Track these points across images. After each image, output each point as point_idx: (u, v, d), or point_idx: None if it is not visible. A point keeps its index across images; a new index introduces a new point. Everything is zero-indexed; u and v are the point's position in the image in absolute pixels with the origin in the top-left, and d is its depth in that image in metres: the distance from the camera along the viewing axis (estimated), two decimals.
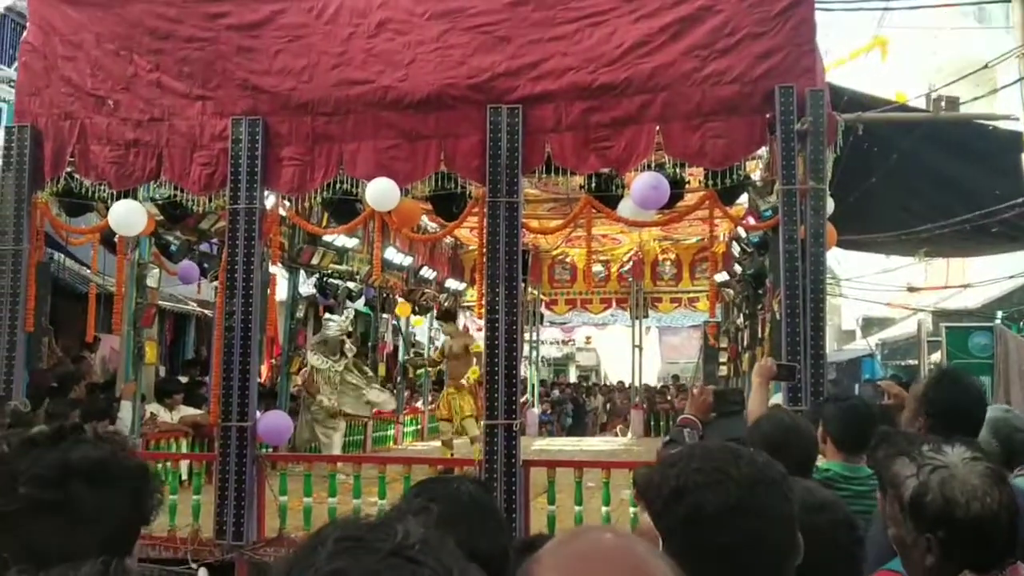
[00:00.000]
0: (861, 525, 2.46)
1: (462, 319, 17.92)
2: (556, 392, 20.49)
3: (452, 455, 10.41)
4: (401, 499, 1.84)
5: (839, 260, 17.29)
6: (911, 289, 17.31)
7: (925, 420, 3.23)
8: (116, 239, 7.83)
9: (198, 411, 9.60)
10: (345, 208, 7.57)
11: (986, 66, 7.50)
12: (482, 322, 6.78)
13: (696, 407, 3.59)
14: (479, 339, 8.38)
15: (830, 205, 6.52)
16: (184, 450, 8.86)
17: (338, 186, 6.96)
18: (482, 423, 6.77)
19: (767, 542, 1.55)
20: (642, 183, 6.40)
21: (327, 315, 11.95)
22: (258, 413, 7.10)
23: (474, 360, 11.14)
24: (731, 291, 13.78)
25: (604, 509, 6.68)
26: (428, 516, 1.69)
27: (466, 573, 0.83)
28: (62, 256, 11.40)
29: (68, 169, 7.27)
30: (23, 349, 7.14)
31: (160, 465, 7.78)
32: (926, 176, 9.16)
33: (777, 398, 6.20)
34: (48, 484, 1.45)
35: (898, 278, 16.78)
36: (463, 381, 10.88)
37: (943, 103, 9.00)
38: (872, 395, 5.52)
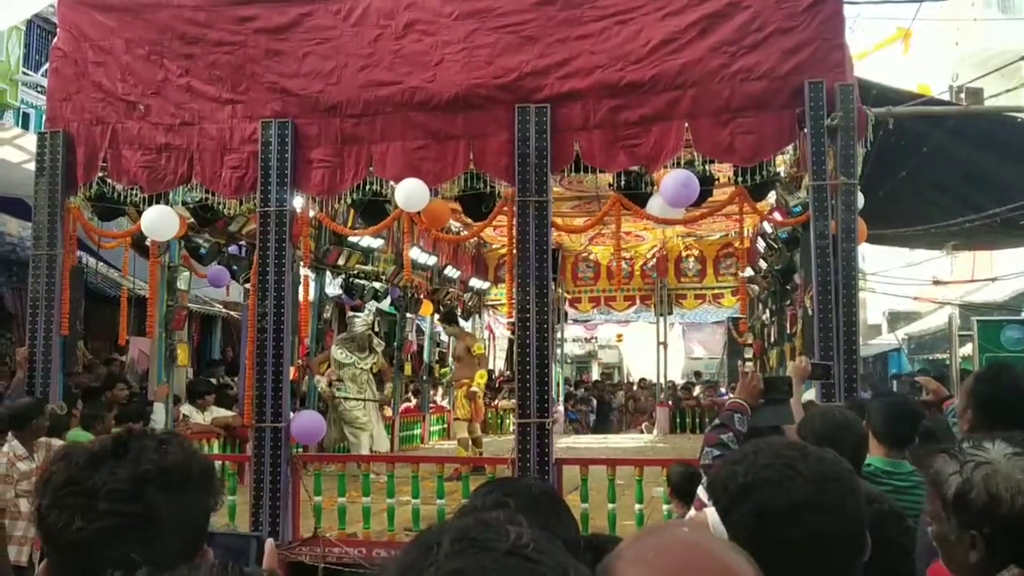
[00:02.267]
0: (908, 517, 2.47)
1: (487, 318, 17.97)
2: (581, 390, 20.48)
3: (481, 453, 10.47)
4: (472, 498, 1.86)
5: (864, 254, 17.21)
6: (937, 282, 17.22)
7: (972, 415, 3.22)
8: (148, 243, 7.90)
9: (229, 412, 9.68)
10: (374, 209, 7.60)
11: (1022, 58, 7.43)
12: (510, 321, 6.80)
13: (747, 392, 3.54)
14: (506, 340, 8.36)
15: (860, 200, 6.50)
16: (216, 451, 8.94)
17: (367, 187, 6.99)
18: (514, 422, 6.77)
19: (835, 539, 1.56)
20: (672, 181, 6.39)
21: (351, 313, 12.00)
22: (291, 414, 7.15)
23: (476, 362, 11.19)
24: (756, 287, 13.73)
25: (637, 507, 6.69)
26: (507, 510, 1.71)
27: (579, 571, 0.84)
28: (92, 260, 11.53)
29: (100, 174, 7.34)
30: (58, 352, 7.22)
31: None
32: (955, 170, 9.11)
33: (809, 394, 6.19)
34: (127, 498, 1.45)
35: (924, 272, 16.69)
36: (474, 388, 10.92)
37: (963, 95, 8.92)
38: (909, 391, 5.50)
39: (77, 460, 1.50)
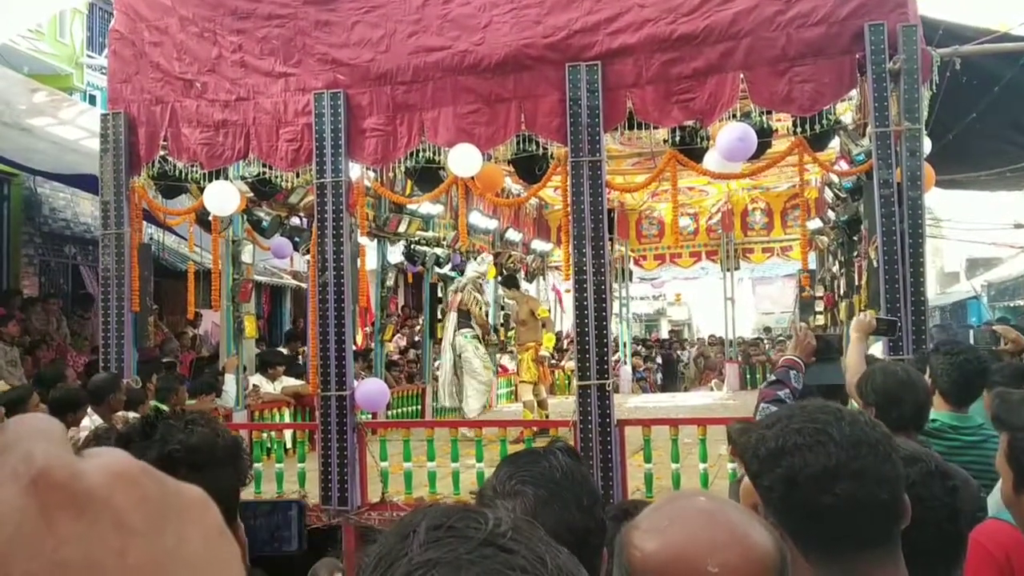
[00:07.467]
0: (957, 475, 2.38)
1: (551, 280, 17.94)
2: (643, 348, 20.33)
3: (547, 416, 10.49)
4: (493, 478, 1.76)
5: (939, 200, 16.63)
6: (1018, 226, 16.57)
7: None
8: (210, 218, 8.05)
9: (299, 381, 9.87)
10: (428, 175, 7.61)
11: None
12: (569, 284, 6.76)
13: (801, 349, 3.51)
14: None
15: (927, 145, 6.26)
16: (287, 419, 9.14)
17: (420, 154, 7.00)
18: (575, 384, 6.76)
19: (869, 504, 1.51)
20: (728, 135, 6.24)
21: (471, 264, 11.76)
22: (355, 382, 7.26)
23: (540, 325, 11.13)
24: (825, 238, 13.40)
25: (701, 466, 6.63)
26: (524, 500, 1.65)
27: (557, 559, 0.81)
28: (162, 236, 11.80)
29: (161, 152, 7.49)
30: (131, 328, 7.45)
31: (265, 435, 8.05)
32: None
33: (876, 348, 6.03)
34: None
35: (1004, 216, 16.09)
36: (543, 352, 10.89)
37: None
38: (988, 339, 5.32)
39: (107, 441, 1.54)
